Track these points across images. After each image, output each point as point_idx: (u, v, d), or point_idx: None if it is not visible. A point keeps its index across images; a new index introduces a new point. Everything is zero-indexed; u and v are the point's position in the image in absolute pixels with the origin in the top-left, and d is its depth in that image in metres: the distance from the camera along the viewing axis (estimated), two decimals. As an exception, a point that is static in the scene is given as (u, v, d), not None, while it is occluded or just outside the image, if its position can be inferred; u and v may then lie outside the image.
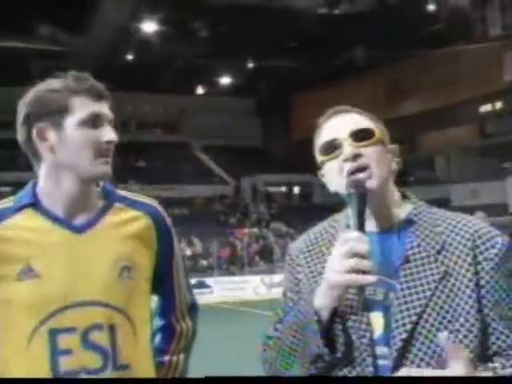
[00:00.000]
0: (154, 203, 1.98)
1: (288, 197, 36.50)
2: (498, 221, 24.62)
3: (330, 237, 1.74)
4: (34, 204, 1.83)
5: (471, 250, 1.59)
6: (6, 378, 1.81)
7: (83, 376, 1.73)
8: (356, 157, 1.62)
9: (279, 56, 31.12)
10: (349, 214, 1.61)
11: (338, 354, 1.58)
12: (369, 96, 29.10)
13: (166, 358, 1.99)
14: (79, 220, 1.83)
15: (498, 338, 1.55)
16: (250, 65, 33.81)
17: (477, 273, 1.57)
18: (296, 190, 37.22)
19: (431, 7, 27.71)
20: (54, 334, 1.74)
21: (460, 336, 1.54)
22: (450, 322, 1.55)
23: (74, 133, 1.77)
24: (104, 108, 1.80)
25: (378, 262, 1.59)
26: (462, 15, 27.48)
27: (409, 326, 1.55)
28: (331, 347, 1.57)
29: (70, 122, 1.77)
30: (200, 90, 38.06)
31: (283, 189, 36.98)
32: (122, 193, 1.95)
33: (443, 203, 28.99)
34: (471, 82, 28.38)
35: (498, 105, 29.94)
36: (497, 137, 29.77)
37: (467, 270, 1.57)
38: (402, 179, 32.25)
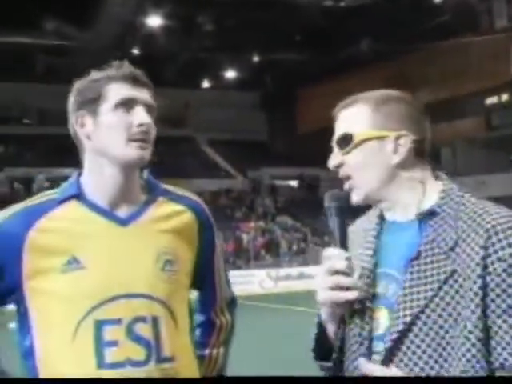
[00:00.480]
0: (197, 198, 2.00)
1: (294, 190, 36.48)
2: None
3: (365, 226, 1.70)
4: (79, 195, 1.85)
5: (483, 248, 1.44)
6: (5, 378, 1.83)
7: (128, 368, 1.74)
8: (338, 167, 1.59)
9: (284, 49, 31.04)
10: (330, 227, 1.58)
11: (334, 354, 1.58)
12: (374, 89, 28.94)
13: (207, 352, 2.01)
14: (123, 212, 1.84)
15: (504, 349, 1.41)
16: (256, 58, 33.74)
17: (488, 274, 1.42)
18: (302, 183, 37.17)
19: (437, -1, 27.61)
20: (99, 325, 1.75)
21: (458, 344, 1.43)
22: (451, 326, 1.45)
23: (107, 117, 1.80)
24: (138, 92, 1.81)
25: (392, 253, 1.57)
26: (467, 7, 27.36)
27: (401, 327, 1.48)
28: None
29: (105, 107, 1.80)
30: (205, 84, 38.03)
31: (289, 182, 36.94)
32: (165, 186, 1.98)
33: (450, 196, 28.85)
34: (478, 74, 28.28)
35: (505, 97, 29.82)
36: (503, 129, 29.66)
37: (473, 271, 1.44)
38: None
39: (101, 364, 1.73)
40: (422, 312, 1.47)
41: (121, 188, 1.83)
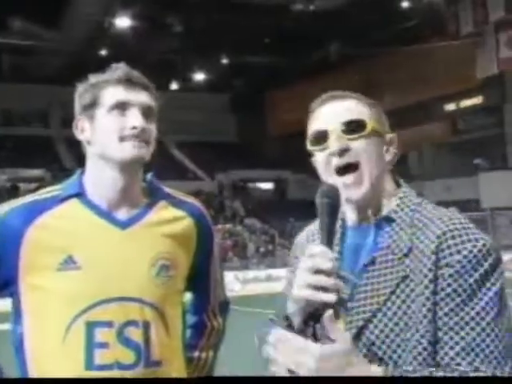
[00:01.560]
0: (198, 203, 2.01)
1: (262, 192, 36.53)
2: (471, 216, 24.93)
3: (308, 235, 1.70)
4: (80, 194, 1.85)
5: (434, 253, 1.44)
6: (5, 378, 1.82)
7: (116, 370, 1.74)
8: (344, 151, 1.52)
9: (254, 52, 31.09)
10: (317, 223, 1.54)
11: None
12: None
13: (196, 354, 2.02)
14: (123, 214, 1.84)
15: (446, 354, 1.41)
16: (225, 61, 33.74)
17: (437, 279, 1.43)
18: (270, 185, 37.26)
19: (405, 4, 27.87)
20: (91, 326, 1.75)
21: (409, 347, 1.43)
22: (401, 330, 1.45)
23: (103, 121, 1.80)
24: (133, 95, 1.81)
25: (351, 257, 1.56)
26: (434, 12, 27.67)
27: (354, 331, 1.48)
28: None
29: (100, 111, 1.81)
30: (174, 86, 37.92)
31: (258, 184, 37.00)
32: (167, 190, 1.98)
33: (416, 199, 29.16)
34: (444, 78, 28.61)
35: (471, 101, 30.21)
36: (469, 133, 30.07)
37: (425, 276, 1.44)
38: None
39: (89, 365, 1.74)
40: (375, 316, 1.48)
41: (121, 190, 1.84)
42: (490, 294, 1.42)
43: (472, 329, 1.40)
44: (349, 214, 1.60)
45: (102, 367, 1.74)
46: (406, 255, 1.48)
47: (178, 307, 1.92)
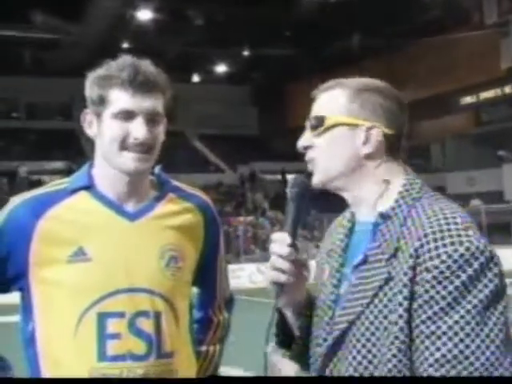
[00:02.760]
0: (206, 196, 2.02)
1: (284, 184, 36.46)
2: (494, 208, 24.70)
3: (333, 227, 1.70)
4: (89, 187, 1.86)
5: (412, 257, 1.38)
6: (6, 377, 1.83)
7: (129, 361, 1.75)
8: (306, 148, 1.56)
9: (275, 44, 30.99)
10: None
11: (294, 344, 1.61)
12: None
13: (203, 348, 2.03)
14: (132, 206, 1.85)
15: (421, 364, 1.35)
16: (246, 53, 33.68)
17: (416, 283, 1.37)
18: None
19: (427, -5, 27.62)
20: (102, 317, 1.76)
21: (389, 355, 1.38)
22: (382, 335, 1.40)
23: (107, 124, 1.79)
24: (140, 101, 1.77)
25: (353, 254, 1.55)
26: (457, 2, 27.40)
27: (337, 333, 1.47)
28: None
29: (107, 113, 1.79)
30: (195, 79, 37.93)
31: (280, 177, 36.97)
32: (176, 183, 1.98)
33: (439, 191, 28.91)
34: (467, 69, 28.33)
35: (494, 92, 29.90)
36: (492, 124, 29.77)
37: (400, 280, 1.39)
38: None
39: (102, 356, 1.75)
40: (358, 318, 1.45)
41: (129, 184, 1.84)
42: (474, 302, 1.33)
43: (449, 339, 1.32)
44: (354, 208, 1.59)
45: (114, 358, 1.75)
46: (393, 256, 1.42)
47: (186, 299, 1.93)
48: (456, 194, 27.64)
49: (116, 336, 1.75)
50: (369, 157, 1.52)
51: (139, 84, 1.77)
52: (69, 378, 1.74)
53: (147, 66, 1.83)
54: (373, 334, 1.42)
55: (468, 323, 1.32)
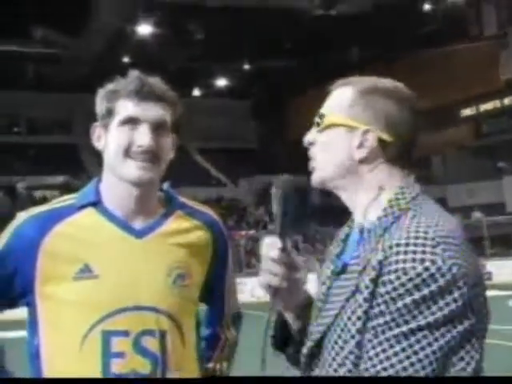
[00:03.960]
0: (213, 213, 2.01)
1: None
2: (495, 220, 24.68)
3: (341, 234, 1.66)
4: (97, 203, 1.85)
5: (374, 269, 1.33)
6: (8, 378, 1.82)
7: None
8: (310, 144, 1.55)
9: (275, 57, 31.09)
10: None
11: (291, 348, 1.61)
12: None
13: (211, 366, 2.01)
14: (139, 224, 1.84)
15: (366, 370, 1.31)
16: (246, 66, 33.78)
17: (374, 297, 1.32)
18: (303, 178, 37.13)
19: (427, 7, 27.71)
20: (107, 336, 1.74)
21: (344, 369, 1.36)
22: (353, 346, 1.36)
23: (114, 133, 1.80)
24: (145, 109, 1.78)
25: (339, 258, 1.54)
26: (457, 14, 27.50)
27: (311, 343, 1.48)
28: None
29: (113, 124, 1.80)
30: (196, 92, 38.03)
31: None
32: (183, 200, 1.98)
33: (440, 203, 28.96)
34: (467, 81, 28.40)
35: (494, 104, 29.96)
36: (493, 136, 29.80)
37: (361, 293, 1.35)
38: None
39: (106, 374, 1.73)
40: (329, 329, 1.43)
41: (137, 199, 1.83)
42: (422, 323, 1.26)
43: (395, 354, 1.28)
44: (352, 211, 1.56)
45: (118, 377, 1.73)
46: (364, 268, 1.37)
47: (192, 316, 1.92)
48: (457, 206, 27.65)
49: (120, 355, 1.74)
50: (363, 161, 1.47)
51: (145, 94, 1.79)
52: (69, 378, 1.74)
53: (155, 80, 1.85)
54: (341, 348, 1.38)
55: (411, 345, 1.27)
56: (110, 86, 1.83)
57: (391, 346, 1.29)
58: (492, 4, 27.38)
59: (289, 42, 30.40)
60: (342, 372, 1.36)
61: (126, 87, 1.79)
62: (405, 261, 1.29)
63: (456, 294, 1.28)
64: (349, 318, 1.37)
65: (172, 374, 1.79)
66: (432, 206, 1.46)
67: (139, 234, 1.83)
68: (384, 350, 1.29)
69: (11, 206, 24.20)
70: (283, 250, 1.51)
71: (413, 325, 1.27)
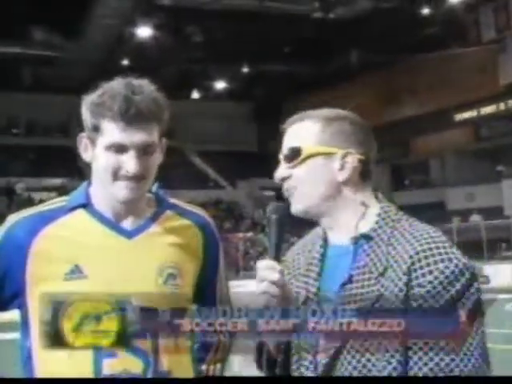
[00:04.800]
0: (204, 214, 2.01)
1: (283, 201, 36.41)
2: (494, 224, 24.68)
3: (309, 247, 1.73)
4: (86, 205, 1.85)
5: (405, 274, 1.47)
6: (7, 377, 1.82)
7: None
8: (284, 179, 1.62)
9: (274, 60, 31.11)
10: (266, 238, 1.63)
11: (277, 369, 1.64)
12: (363, 100, 29.12)
13: (204, 368, 2.01)
14: (129, 224, 1.85)
15: (415, 375, 1.43)
16: (245, 69, 33.81)
17: (409, 298, 1.45)
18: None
19: (426, 11, 27.76)
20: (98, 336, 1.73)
21: (389, 368, 1.44)
22: (375, 351, 1.45)
23: (101, 154, 1.78)
24: (132, 134, 1.74)
25: (331, 277, 1.59)
26: (455, 19, 27.54)
27: (332, 350, 1.50)
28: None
29: (100, 142, 1.78)
30: (195, 95, 38.03)
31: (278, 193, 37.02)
32: (173, 200, 1.97)
33: (438, 207, 29.03)
34: (466, 85, 28.43)
35: (493, 108, 29.99)
36: (492, 140, 29.83)
37: (396, 296, 1.46)
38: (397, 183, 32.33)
39: (98, 375, 1.73)
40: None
41: (126, 203, 1.83)
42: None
43: (441, 349, 1.41)
44: (329, 233, 1.63)
45: (110, 377, 1.73)
46: (381, 274, 1.50)
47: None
48: (456, 210, 27.67)
49: (112, 354, 1.74)
50: (345, 183, 1.59)
51: (131, 117, 1.74)
52: (69, 378, 1.74)
53: (142, 91, 1.78)
54: (367, 349, 1.46)
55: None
56: (94, 97, 1.79)
57: (436, 343, 1.42)
58: (490, 8, 27.41)
59: (288, 45, 30.42)
60: (387, 371, 1.44)
61: (111, 106, 1.74)
62: (436, 262, 1.46)
63: (476, 285, 1.48)
64: None
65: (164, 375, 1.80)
66: (411, 217, 1.62)
67: (129, 235, 1.84)
68: (431, 348, 1.42)
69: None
70: (281, 273, 1.56)
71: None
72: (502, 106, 29.25)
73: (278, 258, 1.58)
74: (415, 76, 30.83)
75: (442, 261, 1.46)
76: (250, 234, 29.16)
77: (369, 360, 1.46)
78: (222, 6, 25.56)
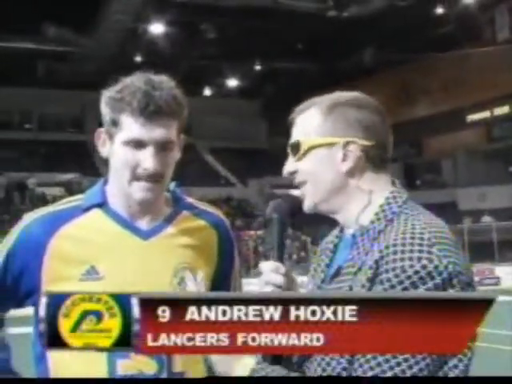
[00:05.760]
0: (219, 213, 2.01)
1: (294, 199, 36.36)
2: (506, 225, 24.56)
3: (331, 238, 1.67)
4: (102, 204, 1.84)
5: (371, 268, 1.35)
6: (6, 377, 1.81)
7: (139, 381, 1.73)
8: (291, 173, 1.56)
9: (287, 58, 31.08)
10: (269, 238, 1.59)
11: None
12: (377, 98, 28.93)
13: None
14: (145, 225, 1.84)
15: (360, 366, 1.33)
16: (258, 67, 33.79)
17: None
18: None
19: (440, 10, 27.65)
20: None
21: (338, 369, 1.37)
22: None
23: (119, 150, 1.77)
24: (150, 130, 1.73)
25: (329, 266, 1.55)
26: (470, 18, 27.42)
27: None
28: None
29: (118, 137, 1.76)
30: (207, 92, 38.06)
31: (290, 191, 36.94)
32: (190, 200, 1.97)
33: (450, 207, 28.92)
34: (479, 85, 28.31)
35: (506, 109, 29.84)
36: (504, 140, 29.68)
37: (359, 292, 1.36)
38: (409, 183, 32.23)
39: (112, 376, 1.73)
40: None
41: (143, 202, 1.82)
42: None
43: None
44: (344, 226, 1.57)
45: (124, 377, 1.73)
46: (359, 269, 1.40)
47: None
48: (467, 210, 27.55)
49: (126, 355, 1.74)
50: (351, 172, 1.50)
51: (150, 113, 1.72)
52: (69, 378, 1.73)
53: (162, 87, 1.76)
54: None
55: None
56: (113, 92, 1.77)
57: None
58: (505, 8, 27.26)
59: (301, 43, 30.38)
60: (337, 368, 1.37)
61: (131, 102, 1.73)
62: (403, 259, 1.31)
63: (451, 292, 1.31)
64: None
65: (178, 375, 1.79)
66: (422, 210, 1.49)
67: (145, 235, 1.83)
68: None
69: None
70: (286, 275, 1.53)
71: None
72: (515, 106, 29.08)
73: (281, 258, 1.54)
74: (429, 75, 30.72)
75: (410, 259, 1.31)
76: (260, 232, 29.15)
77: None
78: (235, 2, 25.55)
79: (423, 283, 1.30)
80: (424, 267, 1.30)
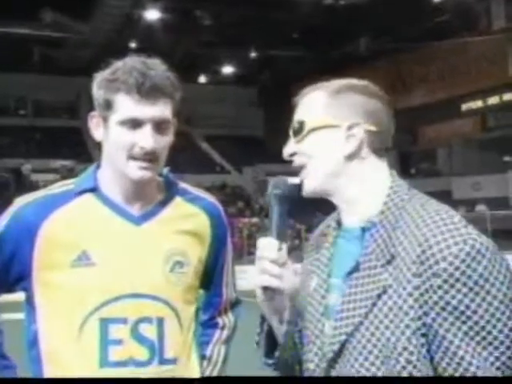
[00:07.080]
0: (213, 199, 1.99)
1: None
2: (500, 214, 24.62)
3: (326, 230, 1.64)
4: (95, 189, 1.82)
5: (415, 263, 1.32)
6: (6, 377, 1.82)
7: (131, 367, 1.73)
8: (291, 155, 1.54)
9: (282, 46, 30.98)
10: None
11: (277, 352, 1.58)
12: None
13: (208, 351, 2.00)
14: (138, 210, 1.82)
15: (466, 370, 1.28)
16: (253, 54, 33.67)
17: (426, 291, 1.30)
18: (298, 180, 37.14)
19: (436, -1, 27.58)
20: (105, 323, 1.74)
21: (398, 367, 1.32)
22: (384, 346, 1.33)
23: (114, 131, 1.74)
24: (147, 108, 1.71)
25: (341, 262, 1.50)
26: (466, 7, 27.35)
27: (337, 346, 1.41)
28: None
29: (113, 119, 1.74)
30: (202, 79, 37.93)
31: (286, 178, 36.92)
32: (183, 186, 1.95)
33: (445, 196, 28.98)
34: (475, 74, 28.28)
35: (501, 98, 29.81)
36: (499, 130, 29.68)
37: (404, 288, 1.32)
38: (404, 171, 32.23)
39: (104, 362, 1.73)
40: (357, 330, 1.38)
41: (135, 186, 1.80)
42: (492, 298, 1.28)
43: (483, 338, 1.27)
44: (341, 214, 1.54)
45: (116, 364, 1.73)
46: (389, 262, 1.37)
47: (191, 304, 1.91)
48: (462, 199, 27.57)
49: (118, 342, 1.74)
50: (352, 156, 1.48)
51: (146, 90, 1.71)
52: (69, 378, 1.74)
53: (156, 68, 1.75)
54: (375, 345, 1.36)
55: (499, 320, 1.28)
56: (107, 74, 1.76)
57: (478, 343, 1.28)
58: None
59: (297, 30, 30.27)
60: (396, 370, 1.33)
61: (126, 80, 1.71)
62: (449, 246, 1.30)
63: (503, 263, 1.33)
64: (386, 315, 1.35)
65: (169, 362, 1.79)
66: (425, 196, 1.48)
67: (138, 221, 1.81)
68: (484, 347, 1.28)
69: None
70: (280, 250, 1.50)
71: (486, 303, 1.28)
72: (510, 96, 29.06)
73: (280, 237, 1.50)
74: (425, 64, 30.66)
75: (456, 244, 1.29)
76: (255, 220, 29.16)
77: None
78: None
79: (478, 262, 1.29)
80: (473, 247, 1.30)
